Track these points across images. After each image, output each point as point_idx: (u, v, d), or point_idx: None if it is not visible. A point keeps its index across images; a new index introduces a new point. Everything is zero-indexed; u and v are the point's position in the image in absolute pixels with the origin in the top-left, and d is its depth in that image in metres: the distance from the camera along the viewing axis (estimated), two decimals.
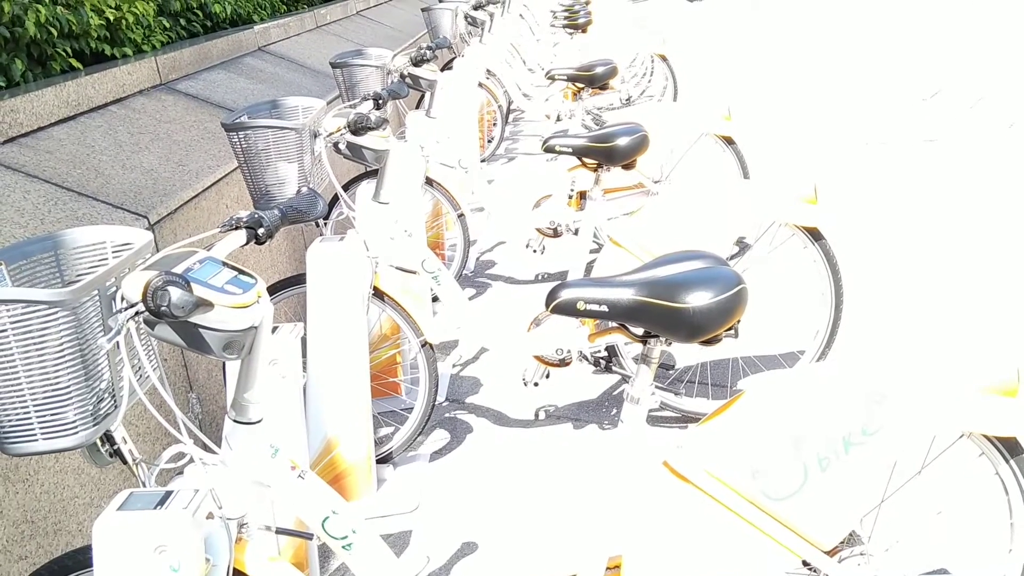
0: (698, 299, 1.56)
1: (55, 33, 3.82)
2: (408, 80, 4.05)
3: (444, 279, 3.00)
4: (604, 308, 1.58)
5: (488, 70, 6.64)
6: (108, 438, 1.48)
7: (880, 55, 9.22)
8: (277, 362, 2.05)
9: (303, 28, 6.57)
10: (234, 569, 1.52)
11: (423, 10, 6.45)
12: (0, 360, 1.33)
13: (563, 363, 2.88)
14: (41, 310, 1.32)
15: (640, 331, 1.64)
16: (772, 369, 3.33)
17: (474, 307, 2.97)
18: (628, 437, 1.64)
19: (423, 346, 2.92)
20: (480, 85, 6.50)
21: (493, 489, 2.90)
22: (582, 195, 4.18)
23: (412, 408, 3.06)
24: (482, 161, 6.76)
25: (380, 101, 2.92)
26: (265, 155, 2.63)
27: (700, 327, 1.57)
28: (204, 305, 1.31)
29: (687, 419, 3.07)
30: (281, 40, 5.93)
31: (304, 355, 2.70)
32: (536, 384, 2.89)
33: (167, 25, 5.03)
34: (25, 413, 1.37)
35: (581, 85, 4.74)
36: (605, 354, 2.91)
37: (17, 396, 1.36)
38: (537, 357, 2.88)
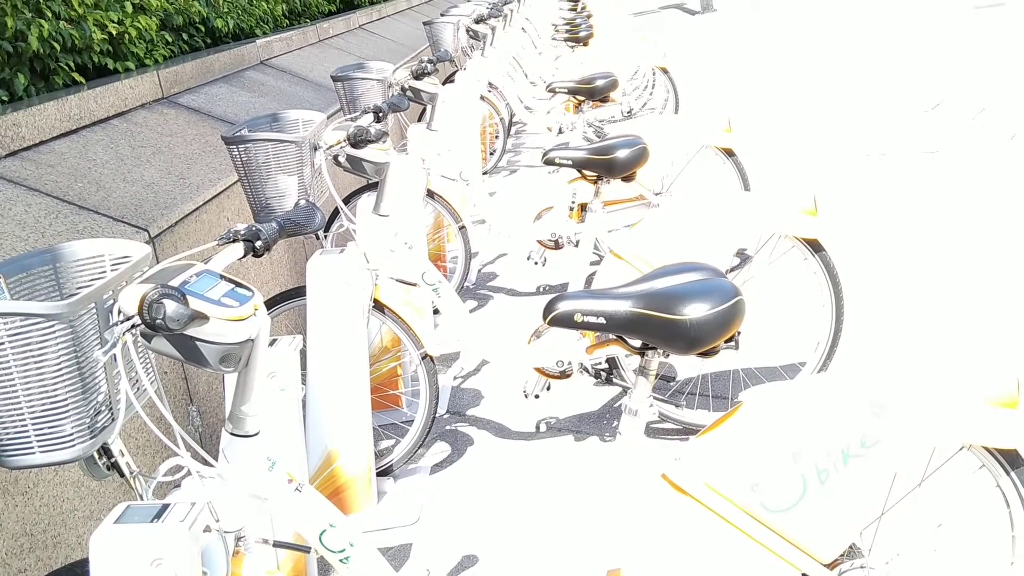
0: (695, 311, 1.56)
1: (58, 47, 3.84)
2: (409, 93, 4.06)
3: (444, 291, 3.01)
4: (601, 320, 1.58)
5: (490, 83, 6.66)
6: (105, 451, 1.48)
7: (882, 66, 9.24)
8: (276, 374, 2.05)
9: (306, 42, 6.60)
10: None
11: (425, 23, 6.47)
12: None
13: (564, 375, 2.88)
14: (39, 323, 1.32)
15: (638, 343, 1.64)
16: (772, 380, 3.32)
17: (475, 319, 2.97)
18: (626, 449, 1.64)
19: (423, 358, 2.92)
20: (482, 98, 6.51)
21: (494, 502, 2.90)
22: (583, 207, 4.18)
23: (413, 420, 3.06)
24: (484, 173, 6.77)
25: (380, 114, 2.93)
26: (265, 168, 2.64)
27: (697, 339, 1.57)
28: (200, 318, 1.31)
29: (688, 431, 3.06)
30: (283, 54, 5.96)
31: (303, 367, 2.70)
32: (537, 396, 2.89)
33: (169, 39, 5.05)
34: (22, 426, 1.37)
35: (582, 98, 4.75)
36: (606, 366, 2.91)
37: (15, 409, 1.36)
38: (538, 369, 2.88)
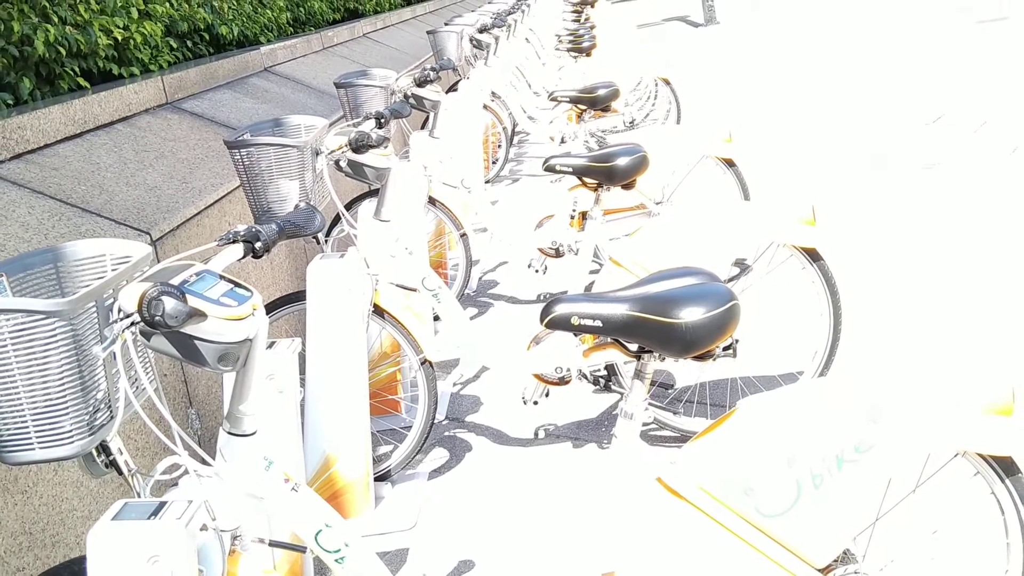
0: (691, 314, 1.57)
1: (63, 52, 3.87)
2: (412, 101, 4.08)
3: (444, 297, 3.02)
4: (598, 323, 1.59)
5: (493, 92, 6.69)
6: (104, 449, 1.49)
7: (884, 78, 9.27)
8: (274, 376, 2.06)
9: (310, 49, 6.63)
10: None
11: (428, 32, 6.51)
12: None
13: (562, 381, 2.89)
14: (40, 320, 1.34)
15: (634, 346, 1.65)
16: (770, 388, 3.33)
17: (475, 326, 2.98)
18: (622, 452, 1.65)
19: (423, 364, 2.93)
20: (485, 107, 6.54)
21: (491, 507, 2.90)
22: (584, 215, 4.19)
23: (411, 426, 3.06)
24: (486, 182, 6.79)
25: (382, 120, 2.95)
26: (267, 172, 2.66)
27: (693, 342, 1.58)
28: (198, 316, 1.33)
29: (685, 438, 3.06)
30: (287, 61, 5.99)
31: (302, 371, 2.71)
32: (536, 403, 2.90)
33: (174, 45, 5.08)
34: (22, 422, 1.38)
35: (584, 107, 4.77)
36: (604, 373, 2.91)
37: (15, 405, 1.37)
38: (536, 376, 2.89)
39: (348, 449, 2.83)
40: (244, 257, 1.64)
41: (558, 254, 4.18)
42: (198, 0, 5.44)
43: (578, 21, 10.52)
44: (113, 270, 1.61)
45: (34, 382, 1.36)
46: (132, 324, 1.32)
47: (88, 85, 4.07)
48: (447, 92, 6.06)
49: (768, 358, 3.54)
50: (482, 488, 3.02)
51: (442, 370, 3.91)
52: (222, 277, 1.49)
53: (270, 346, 2.09)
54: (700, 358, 1.61)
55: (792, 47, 12.49)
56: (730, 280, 3.90)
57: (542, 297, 4.65)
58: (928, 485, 1.71)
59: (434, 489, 3.05)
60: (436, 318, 4.26)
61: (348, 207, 3.94)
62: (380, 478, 3.06)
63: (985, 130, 6.74)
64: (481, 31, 6.72)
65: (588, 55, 7.31)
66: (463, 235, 4.21)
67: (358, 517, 2.87)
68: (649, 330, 1.58)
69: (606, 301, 1.61)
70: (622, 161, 3.11)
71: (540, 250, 4.14)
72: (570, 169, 3.18)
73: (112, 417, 1.46)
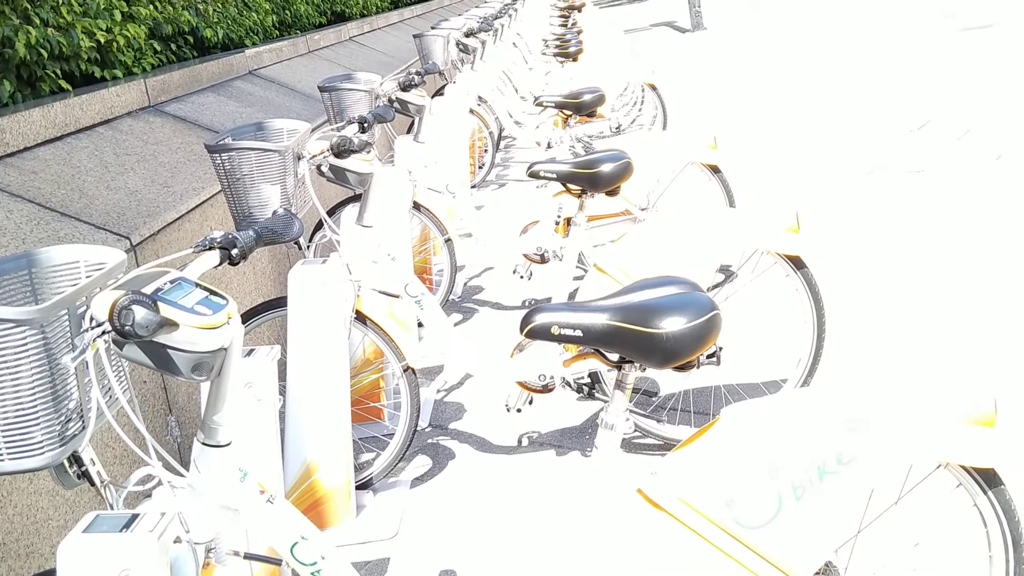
0: (672, 324, 1.56)
1: (45, 55, 3.84)
2: (396, 105, 4.06)
3: (427, 304, 3.00)
4: (579, 333, 1.58)
5: (480, 97, 6.68)
6: (76, 459, 1.46)
7: (870, 85, 9.30)
8: (252, 385, 2.03)
9: (295, 53, 6.60)
10: None
11: (415, 36, 6.48)
12: None
13: (546, 389, 2.87)
14: (10, 328, 1.31)
15: (615, 356, 1.64)
16: (754, 396, 3.32)
17: (459, 332, 2.96)
18: (602, 463, 1.63)
19: (405, 371, 2.91)
20: (471, 112, 6.53)
21: (473, 516, 2.88)
22: (569, 221, 4.18)
23: (394, 433, 3.04)
24: (472, 187, 6.78)
25: (365, 124, 2.93)
26: (248, 177, 2.63)
27: (674, 352, 1.56)
28: (169, 325, 1.30)
29: (669, 446, 3.05)
30: (272, 64, 5.96)
31: (282, 379, 2.69)
32: (519, 410, 2.88)
33: (158, 48, 5.05)
34: None
35: (569, 112, 4.76)
36: (588, 381, 2.90)
37: None
38: (520, 383, 2.87)
39: (329, 457, 2.80)
40: (220, 264, 1.62)
41: (543, 260, 4.17)
42: (183, 3, 5.41)
43: (565, 26, 10.52)
44: (87, 277, 1.58)
45: (4, 391, 1.33)
46: (103, 333, 1.29)
47: (70, 87, 4.03)
48: (433, 96, 6.05)
49: (752, 366, 3.54)
50: (465, 496, 3.00)
51: (426, 377, 3.88)
52: (197, 285, 1.47)
53: (248, 354, 2.07)
54: (681, 368, 1.60)
55: (779, 53, 12.53)
56: (715, 287, 3.90)
57: (527, 303, 4.63)
58: (910, 496, 1.70)
59: (416, 497, 3.03)
60: (420, 324, 4.24)
61: (331, 212, 3.92)
62: (362, 486, 3.03)
63: (969, 137, 6.77)
64: (467, 35, 6.71)
65: (575, 60, 7.31)
66: (448, 240, 4.19)
67: (339, 526, 2.85)
68: (629, 340, 1.57)
69: (587, 310, 1.59)
70: (606, 168, 3.10)
71: (525, 256, 4.13)
72: (554, 175, 3.17)
73: (84, 427, 1.43)
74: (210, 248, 1.61)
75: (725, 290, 3.04)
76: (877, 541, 2.31)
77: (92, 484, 1.50)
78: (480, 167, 7.13)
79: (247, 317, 2.86)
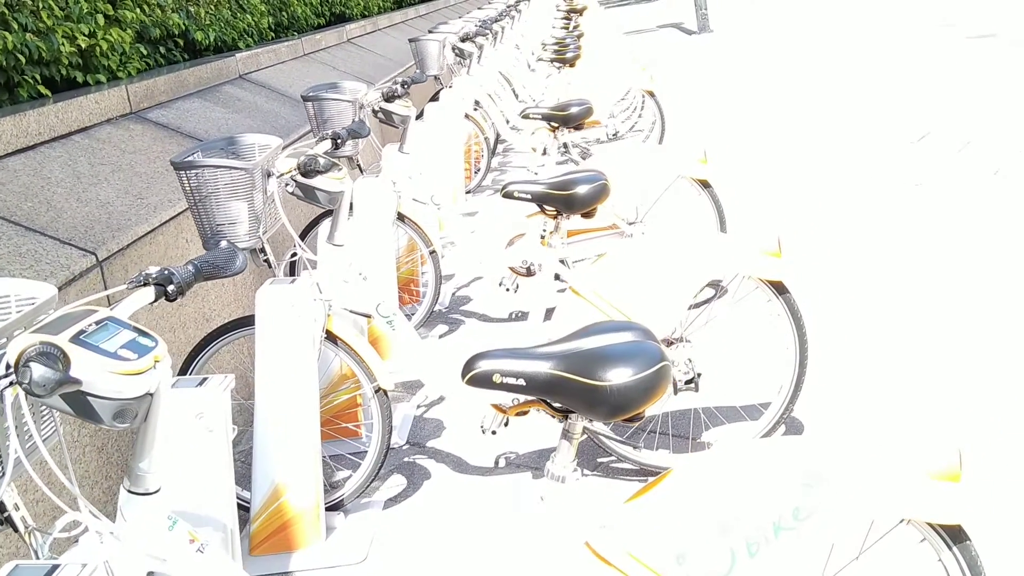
0: (618, 376, 1.48)
1: (23, 60, 3.78)
2: (380, 116, 4.00)
3: (399, 324, 2.93)
4: (521, 382, 1.51)
5: (477, 101, 6.61)
6: None
7: (872, 94, 9.22)
8: (203, 415, 1.97)
9: (292, 55, 6.54)
10: None
11: (411, 40, 6.42)
12: None
13: (521, 412, 2.80)
14: None
15: (560, 405, 1.57)
16: (735, 421, 3.25)
17: (435, 351, 2.89)
18: (549, 516, 1.56)
19: (376, 392, 2.84)
20: (467, 117, 6.46)
21: (446, 539, 2.82)
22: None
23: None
24: (467, 192, 6.71)
25: (339, 140, 2.87)
26: (215, 195, 2.57)
27: (619, 406, 1.49)
28: (70, 384, 1.23)
29: (646, 472, 2.98)
30: (264, 68, 5.89)
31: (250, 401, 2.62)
32: (494, 432, 2.80)
33: (144, 52, 4.98)
34: None
35: (556, 125, 4.69)
36: None
37: None
38: (495, 405, 2.80)
39: (298, 478, 2.74)
40: (156, 301, 1.55)
41: (529, 273, 4.11)
42: (172, 5, 5.35)
43: (567, 28, 10.44)
44: (18, 312, 1.52)
45: None
46: (11, 384, 1.23)
47: (49, 93, 3.98)
48: (430, 101, 5.98)
49: (734, 390, 3.46)
50: (438, 519, 2.93)
51: (408, 391, 3.82)
52: (126, 325, 1.41)
53: (200, 383, 2.01)
54: (630, 420, 1.53)
55: (783, 59, 12.44)
56: (703, 304, 3.83)
57: (514, 316, 4.56)
58: (873, 551, 1.63)
59: (389, 519, 2.97)
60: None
61: (310, 227, 3.86)
62: (333, 507, 2.97)
63: (969, 149, 6.68)
64: (464, 39, 6.64)
65: (572, 65, 7.23)
66: (432, 252, 4.13)
67: (307, 548, 2.79)
68: (572, 391, 1.50)
69: (530, 358, 1.52)
70: (582, 189, 3.02)
71: (511, 269, 4.07)
72: (529, 196, 3.09)
73: (2, 473, 1.37)
74: (145, 284, 1.55)
75: (704, 315, 2.97)
76: None
77: (15, 530, 1.45)
78: (476, 172, 7.06)
79: (215, 336, 2.80)
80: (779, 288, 2.81)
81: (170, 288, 1.56)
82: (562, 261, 4.09)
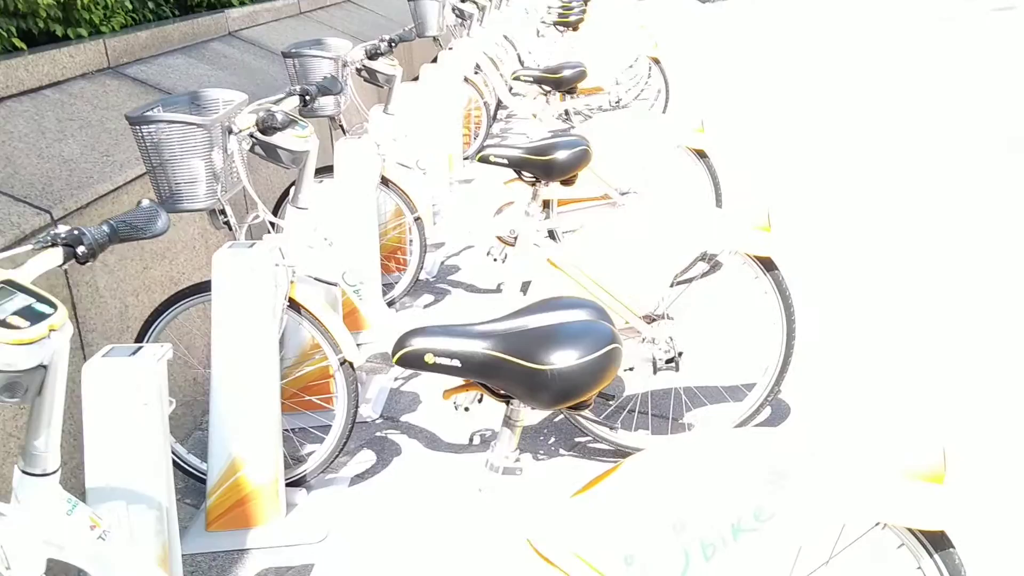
0: (561, 359, 1.34)
1: None
2: (364, 75, 3.84)
3: (367, 294, 2.80)
4: (456, 363, 1.37)
5: (477, 65, 6.43)
6: None
7: (886, 66, 8.99)
8: (139, 388, 1.85)
9: (290, 13, 6.35)
10: None
11: (410, 0, 6.23)
12: None
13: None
14: None
15: (501, 390, 1.43)
16: (718, 402, 3.11)
17: (428, 315, 2.75)
18: (488, 509, 1.43)
19: (342, 364, 2.71)
20: (466, 80, 6.28)
21: (411, 519, 2.70)
22: (546, 203, 3.96)
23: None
24: (465, 158, 6.55)
25: (308, 97, 2.71)
26: (171, 153, 2.44)
27: (563, 392, 1.35)
28: None
29: (622, 453, 2.85)
30: (256, 26, 5.72)
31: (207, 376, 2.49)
32: (467, 409, 2.68)
33: (131, 6, 4.81)
34: None
35: (548, 88, 4.51)
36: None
37: None
38: (500, 238, 2.65)
39: (256, 452, 2.63)
40: (65, 263, 1.42)
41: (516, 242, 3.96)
42: None
43: None
44: None
45: None
46: None
47: (25, 47, 3.82)
48: (430, 63, 5.81)
49: (718, 369, 3.32)
50: (406, 497, 2.81)
51: (387, 363, 3.69)
52: (23, 289, 1.28)
53: (135, 353, 1.88)
54: (576, 408, 1.39)
55: (798, 26, 12.17)
56: (692, 279, 3.68)
57: (501, 287, 4.42)
58: (844, 557, 1.50)
59: (354, 496, 2.85)
60: (390, 304, 4.06)
61: (287, 192, 3.71)
62: (296, 483, 2.85)
63: (977, 126, 6.48)
64: (464, 0, 6.45)
65: (575, 29, 7.03)
66: (417, 219, 3.98)
67: (265, 526, 2.68)
68: (511, 375, 1.36)
69: (467, 336, 1.38)
70: (562, 155, 2.86)
71: (499, 238, 3.92)
72: (505, 161, 2.93)
73: None
74: (53, 244, 1.42)
75: (690, 289, 2.82)
76: None
77: None
78: (475, 137, 6.89)
79: (172, 302, 2.67)
80: (767, 264, 2.66)
81: (80, 250, 1.42)
82: (551, 232, 3.94)
